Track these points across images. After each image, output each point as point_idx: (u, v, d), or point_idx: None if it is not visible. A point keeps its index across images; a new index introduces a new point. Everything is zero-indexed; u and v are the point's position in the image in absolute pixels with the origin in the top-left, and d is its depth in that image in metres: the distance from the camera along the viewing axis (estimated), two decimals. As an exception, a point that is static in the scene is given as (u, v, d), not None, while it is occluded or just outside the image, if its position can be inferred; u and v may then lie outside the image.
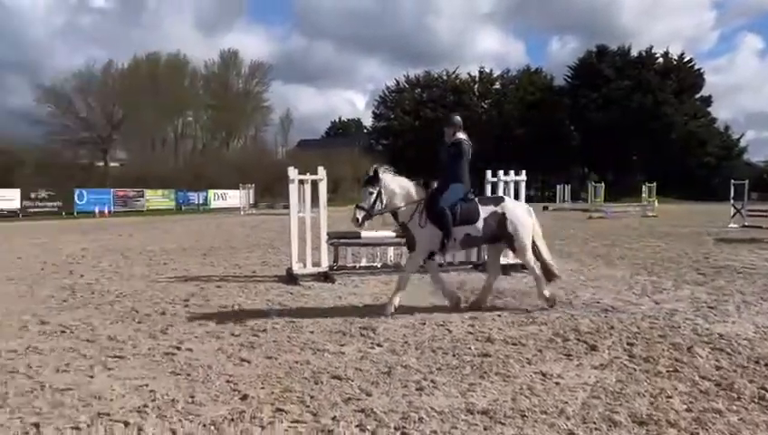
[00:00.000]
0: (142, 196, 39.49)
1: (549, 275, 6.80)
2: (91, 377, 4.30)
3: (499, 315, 6.32)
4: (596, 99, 66.97)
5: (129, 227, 22.19)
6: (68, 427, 3.38)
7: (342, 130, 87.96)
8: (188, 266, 10.65)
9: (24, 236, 17.82)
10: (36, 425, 3.40)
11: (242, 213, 34.97)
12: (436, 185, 6.66)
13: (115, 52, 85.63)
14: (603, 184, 39.62)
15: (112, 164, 48.29)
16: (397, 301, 6.44)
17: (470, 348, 5.01)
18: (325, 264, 8.88)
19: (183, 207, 41.50)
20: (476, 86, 76.01)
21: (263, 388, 4.02)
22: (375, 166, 6.59)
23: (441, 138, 6.93)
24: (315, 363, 4.59)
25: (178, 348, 5.04)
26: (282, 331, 5.66)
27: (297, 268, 8.71)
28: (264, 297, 7.47)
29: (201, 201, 43.50)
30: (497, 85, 76.21)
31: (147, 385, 4.08)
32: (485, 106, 75.32)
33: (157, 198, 40.57)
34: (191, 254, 12.78)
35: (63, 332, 5.69)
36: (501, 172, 9.77)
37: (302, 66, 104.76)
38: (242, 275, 9.37)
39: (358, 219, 6.42)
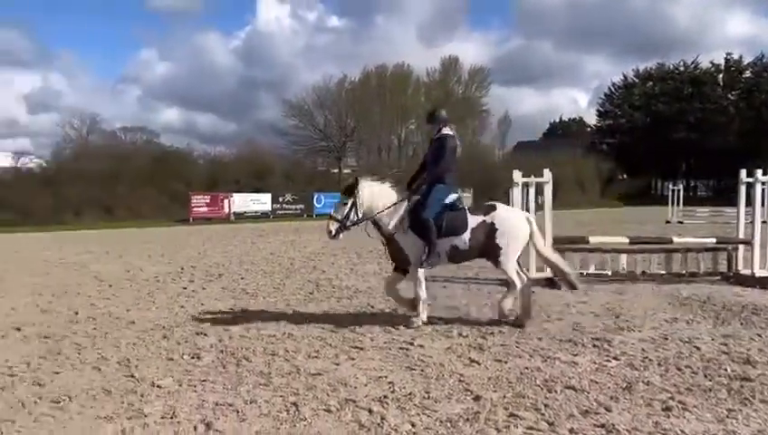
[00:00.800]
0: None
1: (571, 284, 6.43)
2: (337, 365, 4.72)
3: (759, 335, 5.53)
4: None
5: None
6: (321, 409, 3.74)
7: (563, 131, 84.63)
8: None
9: (275, 235, 20.27)
10: (295, 404, 3.83)
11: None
12: (418, 194, 6.23)
13: (348, 66, 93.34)
14: None
15: (345, 170, 52.56)
16: (424, 316, 6.10)
17: (725, 369, 4.46)
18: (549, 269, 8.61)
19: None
20: (721, 76, 67.59)
21: (495, 391, 4.04)
22: (356, 176, 6.39)
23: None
24: (547, 371, 4.47)
25: (411, 344, 5.30)
26: (509, 335, 5.63)
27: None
28: (488, 300, 7.49)
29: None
30: (747, 74, 66.92)
31: (386, 377, 4.35)
32: (732, 98, 66.63)
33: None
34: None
35: (311, 321, 6.33)
36: (759, 172, 8.54)
37: (520, 67, 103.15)
38: (465, 277, 9.51)
39: (331, 231, 6.18)
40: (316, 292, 8.30)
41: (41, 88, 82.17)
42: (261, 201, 36.49)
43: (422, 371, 4.51)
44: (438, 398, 3.91)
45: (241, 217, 34.57)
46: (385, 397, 3.92)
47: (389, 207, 6.15)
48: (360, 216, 6.16)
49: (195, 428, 3.48)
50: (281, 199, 37.52)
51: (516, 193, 8.76)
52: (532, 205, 8.79)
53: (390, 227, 6.13)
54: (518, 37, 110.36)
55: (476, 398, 3.89)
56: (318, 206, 38.92)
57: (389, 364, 4.71)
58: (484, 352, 5.02)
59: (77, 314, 6.95)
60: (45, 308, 7.44)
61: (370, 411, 3.67)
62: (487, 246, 6.09)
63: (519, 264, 6.31)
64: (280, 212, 36.95)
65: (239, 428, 3.48)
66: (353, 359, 4.89)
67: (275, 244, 16.81)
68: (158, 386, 4.25)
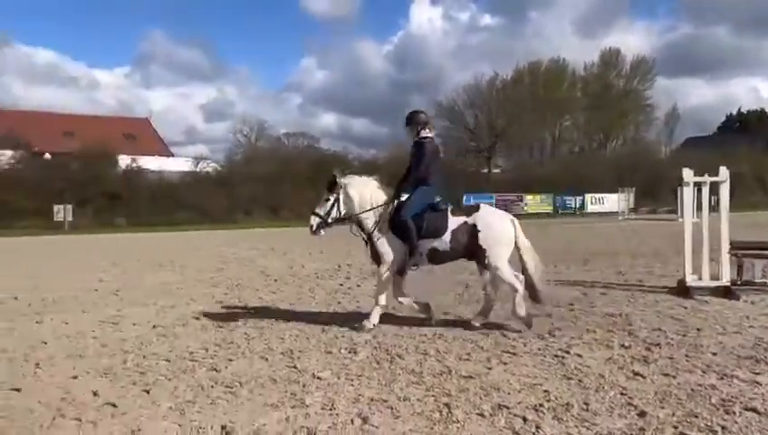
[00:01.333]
0: (521, 200, 41.39)
1: (533, 296, 6.10)
2: (489, 369, 4.65)
3: None
4: None
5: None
6: (474, 412, 3.71)
7: (741, 124, 76.19)
8: (570, 270, 10.68)
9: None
10: (447, 405, 3.84)
11: (620, 218, 33.53)
12: (402, 194, 6.10)
13: (499, 65, 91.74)
14: None
15: (494, 170, 51.85)
16: (376, 319, 6.05)
17: None
18: (726, 278, 7.80)
19: (560, 211, 42.00)
20: None
21: (662, 407, 3.73)
22: (335, 171, 6.22)
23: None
24: (723, 390, 4.04)
25: (567, 352, 5.07)
26: (677, 348, 5.17)
27: (691, 280, 7.86)
28: (653, 309, 6.96)
29: (578, 205, 43.30)
30: None
31: (540, 385, 4.21)
32: None
33: (535, 203, 42.00)
34: (570, 258, 12.79)
35: (461, 324, 6.31)
36: None
37: (689, 57, 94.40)
38: (627, 284, 8.93)
39: (312, 226, 6.12)
40: (466, 294, 8.27)
41: (216, 99, 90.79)
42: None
43: (580, 381, 4.30)
44: (598, 411, 3.70)
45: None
46: (540, 405, 3.79)
47: (374, 208, 6.11)
48: (343, 213, 6.16)
49: (352, 421, 3.62)
50: (431, 200, 37.89)
51: (687, 193, 8.06)
52: (705, 206, 8.01)
53: (371, 227, 6.08)
54: (687, 25, 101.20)
55: (641, 414, 3.62)
56: (468, 206, 38.77)
57: (544, 372, 4.55)
58: (650, 365, 4.66)
59: (246, 306, 7.56)
60: (220, 300, 8.19)
61: (525, 419, 3.57)
62: (471, 248, 5.98)
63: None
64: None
65: (393, 424, 3.56)
66: (505, 364, 4.79)
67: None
68: (318, 378, 4.49)
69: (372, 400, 3.98)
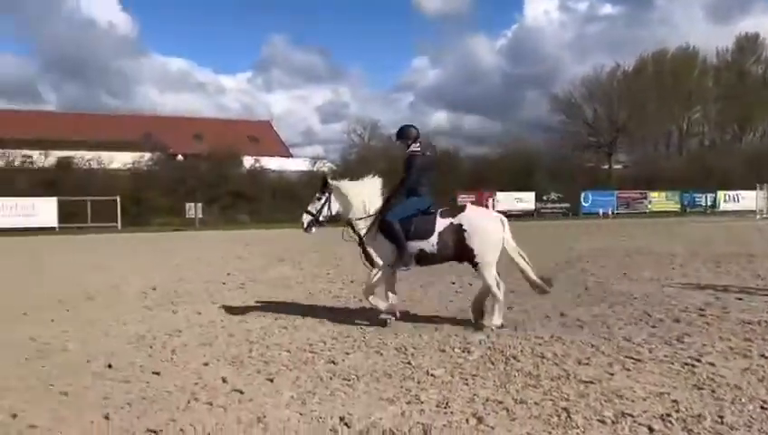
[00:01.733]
0: (645, 197, 39.11)
1: (540, 289, 6.21)
2: (611, 374, 4.45)
3: None
4: None
5: (631, 229, 22.32)
6: (595, 419, 3.56)
7: None
8: (699, 272, 9.96)
9: (539, 234, 19.93)
10: (566, 410, 3.71)
11: (757, 217, 30.70)
12: (393, 199, 6.29)
13: (620, 55, 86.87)
14: None
15: (615, 166, 49.35)
16: (383, 306, 6.29)
17: None
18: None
19: (688, 210, 39.23)
20: None
21: (811, 426, 3.39)
22: (324, 174, 6.04)
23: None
24: None
25: (698, 360, 4.73)
26: (830, 361, 4.67)
27: None
28: (799, 317, 6.32)
29: (709, 203, 40.21)
30: None
31: (668, 394, 3.96)
32: None
33: (660, 200, 39.51)
34: (701, 259, 11.91)
35: (581, 326, 6.08)
36: None
37: None
38: (766, 289, 8.17)
39: (303, 223, 6.35)
40: (585, 295, 7.95)
41: (331, 100, 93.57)
42: (524, 200, 36.31)
43: (713, 391, 4.00)
44: (735, 425, 3.42)
45: (504, 215, 34.82)
46: (668, 415, 3.57)
47: (368, 216, 6.24)
48: (333, 213, 6.36)
49: (467, 420, 3.61)
50: (545, 198, 36.84)
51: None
52: None
53: (363, 229, 6.23)
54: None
55: (787, 431, 3.31)
56: (585, 204, 37.32)
57: (672, 380, 4.27)
58: (796, 379, 4.25)
59: (361, 301, 7.75)
60: (336, 295, 8.48)
61: (651, 429, 3.38)
62: (459, 249, 6.00)
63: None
64: (544, 211, 36.35)
65: (509, 426, 3.51)
66: (629, 370, 4.55)
67: (539, 243, 16.55)
68: (432, 375, 4.52)
69: (487, 400, 3.94)
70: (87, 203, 29.51)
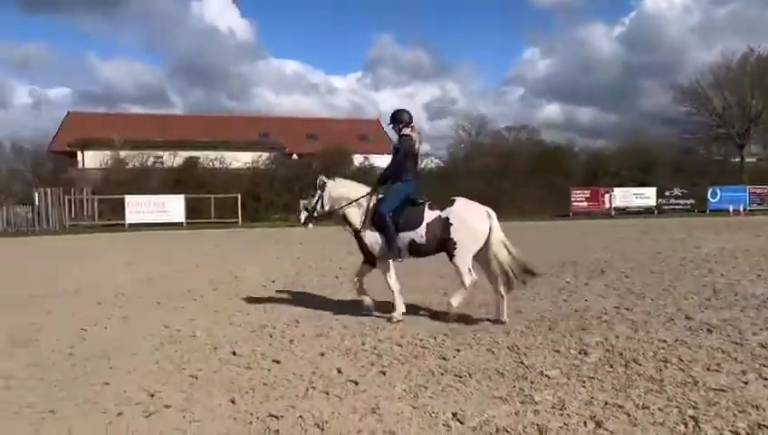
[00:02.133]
0: (782, 193, 35.68)
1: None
2: (745, 383, 4.13)
3: None
4: None
5: (766, 227, 20.48)
6: (727, 430, 3.33)
7: None
8: None
9: (661, 232, 18.76)
10: (694, 419, 3.50)
11: None
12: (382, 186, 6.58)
13: (755, 39, 79.61)
14: None
15: (748, 159, 45.36)
16: (401, 307, 6.51)
17: None
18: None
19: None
20: None
21: None
22: (320, 176, 6.84)
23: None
24: None
25: None
26: None
27: None
28: None
29: None
30: None
31: (813, 408, 3.62)
32: None
33: (801, 195, 35.88)
34: None
35: (709, 331, 5.68)
36: None
37: None
38: None
39: (300, 219, 6.88)
40: (714, 298, 7.40)
41: (438, 97, 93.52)
42: (645, 195, 34.37)
43: None
44: None
45: (622, 212, 33.23)
46: (814, 431, 3.26)
47: (353, 201, 6.55)
48: (327, 208, 6.68)
49: (584, 423, 3.50)
50: (667, 194, 34.65)
51: None
52: None
53: (357, 222, 6.49)
54: None
55: None
56: (713, 200, 34.67)
57: (818, 393, 3.90)
58: None
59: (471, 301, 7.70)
60: (447, 291, 8.46)
61: (793, 445, 3.11)
62: (443, 241, 6.19)
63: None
64: (666, 207, 34.17)
65: (631, 431, 3.36)
66: (765, 379, 4.20)
67: (662, 241, 15.62)
68: (546, 376, 4.42)
69: (606, 404, 3.79)
70: (211, 200, 31.52)
